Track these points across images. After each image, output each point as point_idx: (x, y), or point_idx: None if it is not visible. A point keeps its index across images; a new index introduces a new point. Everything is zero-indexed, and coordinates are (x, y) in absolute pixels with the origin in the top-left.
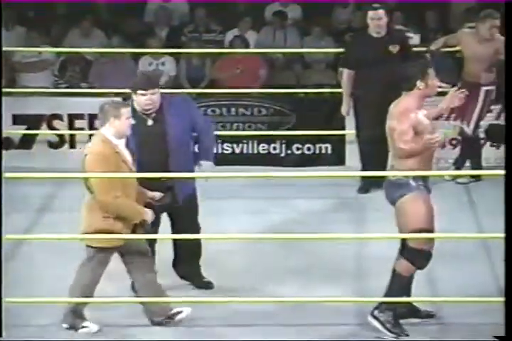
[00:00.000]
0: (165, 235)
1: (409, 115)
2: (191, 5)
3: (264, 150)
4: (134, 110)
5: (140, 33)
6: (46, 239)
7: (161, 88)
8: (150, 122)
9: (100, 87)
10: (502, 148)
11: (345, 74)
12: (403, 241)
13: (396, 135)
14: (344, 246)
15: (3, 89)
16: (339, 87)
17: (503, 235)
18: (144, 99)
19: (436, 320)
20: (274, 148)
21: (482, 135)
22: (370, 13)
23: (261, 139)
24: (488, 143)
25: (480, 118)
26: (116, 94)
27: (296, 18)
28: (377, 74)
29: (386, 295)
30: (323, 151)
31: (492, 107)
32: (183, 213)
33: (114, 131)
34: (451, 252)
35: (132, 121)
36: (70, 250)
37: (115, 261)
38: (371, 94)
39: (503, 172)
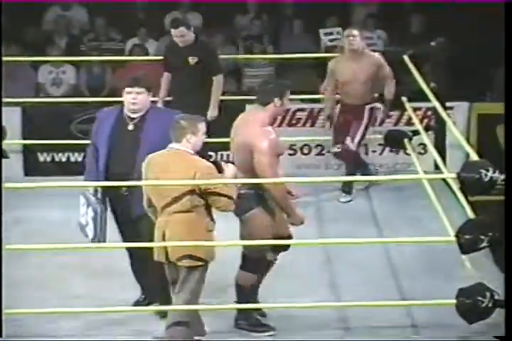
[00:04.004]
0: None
1: (270, 137)
2: (91, 14)
3: None
4: (121, 111)
5: (39, 42)
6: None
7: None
8: (131, 127)
9: None
10: (401, 153)
11: (164, 75)
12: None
13: (260, 160)
14: None
15: None
16: (241, 94)
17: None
18: (130, 97)
19: None
20: None
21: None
22: (172, 31)
23: None
24: (387, 149)
25: (364, 134)
26: (18, 103)
27: (196, 26)
28: (178, 80)
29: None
30: (225, 158)
31: (391, 113)
32: (134, 231)
33: (191, 146)
34: None
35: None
36: None
37: None
38: (176, 98)
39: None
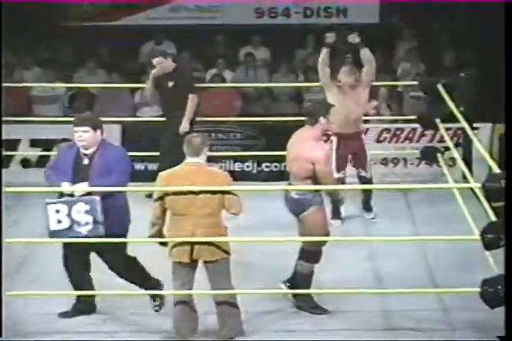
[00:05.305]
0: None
1: (324, 148)
2: (178, 48)
3: (239, 168)
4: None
5: (135, 72)
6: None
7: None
8: (86, 161)
9: (103, 116)
10: (434, 166)
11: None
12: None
13: (321, 169)
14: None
15: (23, 118)
16: (301, 115)
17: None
18: (77, 135)
19: None
20: (247, 166)
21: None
22: (153, 60)
23: (236, 159)
24: (423, 162)
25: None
26: (118, 122)
27: (265, 58)
28: (163, 99)
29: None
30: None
31: (426, 132)
32: (108, 251)
33: (205, 159)
34: None
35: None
36: None
37: None
38: (164, 113)
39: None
